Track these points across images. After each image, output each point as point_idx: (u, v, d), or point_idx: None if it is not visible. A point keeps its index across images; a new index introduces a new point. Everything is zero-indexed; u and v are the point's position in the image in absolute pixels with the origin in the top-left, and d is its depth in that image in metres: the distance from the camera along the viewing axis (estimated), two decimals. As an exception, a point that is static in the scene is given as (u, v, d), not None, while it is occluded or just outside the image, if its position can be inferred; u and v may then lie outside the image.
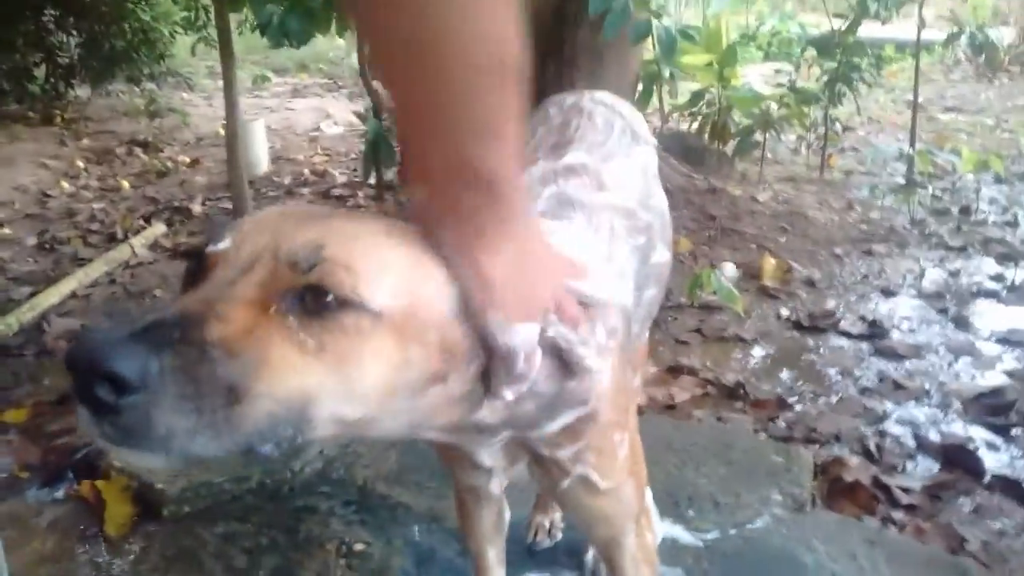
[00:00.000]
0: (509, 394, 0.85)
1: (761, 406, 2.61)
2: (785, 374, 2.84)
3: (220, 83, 10.37)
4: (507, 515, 1.42)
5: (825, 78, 4.91)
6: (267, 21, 4.14)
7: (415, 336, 0.77)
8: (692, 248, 3.80)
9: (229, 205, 5.21)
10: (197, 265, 0.78)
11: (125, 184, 6.14)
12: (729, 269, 3.58)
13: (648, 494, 1.67)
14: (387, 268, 0.77)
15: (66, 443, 2.51)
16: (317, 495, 2.10)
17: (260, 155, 6.13)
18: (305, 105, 8.98)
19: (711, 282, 3.15)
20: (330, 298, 0.72)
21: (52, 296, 3.60)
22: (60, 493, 2.23)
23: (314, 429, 0.73)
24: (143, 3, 8.06)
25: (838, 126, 5.50)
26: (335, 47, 11.52)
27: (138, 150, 7.22)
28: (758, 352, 3.01)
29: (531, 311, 0.84)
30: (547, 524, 1.89)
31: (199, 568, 1.88)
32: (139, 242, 4.41)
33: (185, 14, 8.03)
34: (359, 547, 1.90)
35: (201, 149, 7.21)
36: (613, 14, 3.17)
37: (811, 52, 5.19)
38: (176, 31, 8.28)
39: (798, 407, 2.60)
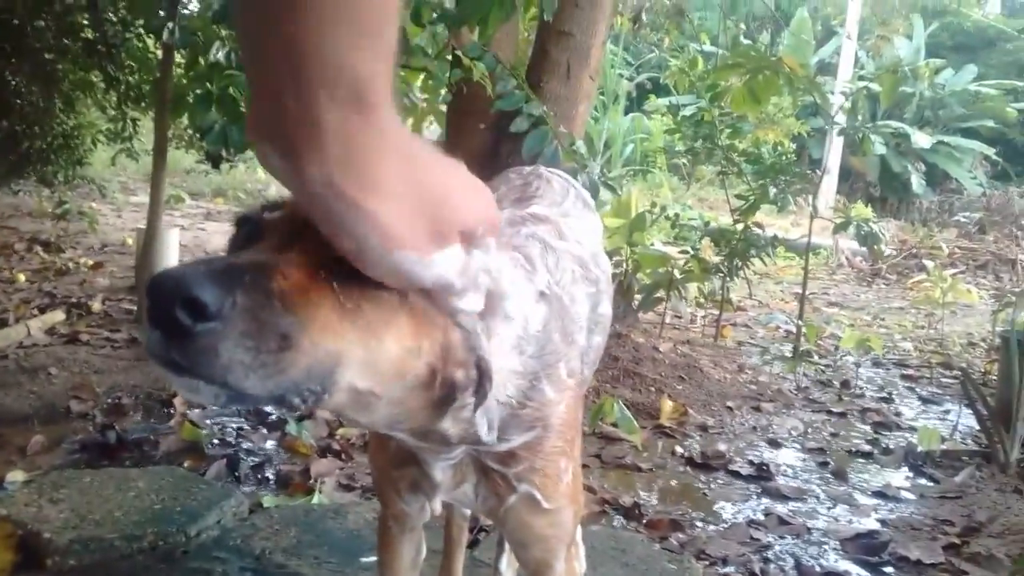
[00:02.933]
0: (470, 322, 0.89)
1: (655, 526, 2.68)
2: (678, 502, 2.94)
3: (131, 198, 10.39)
4: (423, 553, 1.44)
5: (723, 255, 5.29)
6: (209, 127, 4.25)
7: (427, 330, 0.86)
8: (596, 384, 3.93)
9: (131, 306, 5.14)
10: (254, 228, 0.85)
11: (21, 277, 5.99)
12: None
13: (578, 530, 1.75)
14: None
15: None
16: (212, 559, 2.05)
17: (170, 263, 6.09)
18: (218, 228, 9.01)
19: (613, 412, 3.27)
20: None
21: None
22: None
23: (333, 392, 0.79)
24: (69, 110, 8.05)
25: (733, 297, 5.86)
26: (254, 179, 11.71)
27: (39, 248, 7.09)
28: (653, 481, 3.10)
29: (447, 231, 0.80)
30: (449, 598, 1.89)
31: (79, 619, 1.80)
32: (36, 325, 4.30)
33: (110, 125, 8.07)
34: (253, 609, 1.85)
35: (106, 255, 7.12)
36: (543, 158, 3.40)
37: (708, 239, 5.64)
38: (98, 140, 8.28)
39: (689, 530, 2.68)
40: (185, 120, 5.95)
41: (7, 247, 7.09)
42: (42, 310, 5.01)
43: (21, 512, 2.13)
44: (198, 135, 4.53)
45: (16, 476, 2.53)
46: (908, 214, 14.05)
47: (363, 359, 0.80)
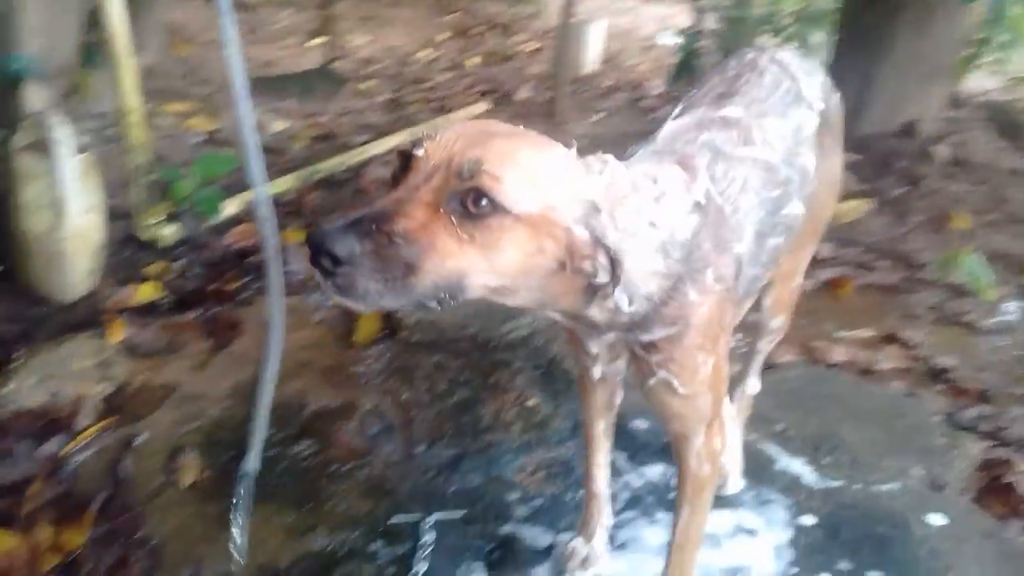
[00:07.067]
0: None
1: (959, 393, 2.57)
2: (1005, 373, 2.74)
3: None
4: (619, 398, 1.70)
5: None
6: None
7: (547, 232, 1.09)
8: (970, 227, 3.63)
9: (550, 93, 5.62)
10: (405, 162, 1.12)
11: (472, 61, 6.75)
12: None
13: (727, 408, 1.93)
14: (531, 181, 1.08)
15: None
16: (513, 355, 2.49)
17: (589, 55, 6.45)
18: (652, 13, 9.13)
19: (966, 264, 3.06)
20: (484, 202, 1.04)
21: (378, 147, 4.27)
22: (330, 302, 2.82)
23: (468, 293, 1.08)
24: None
25: None
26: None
27: (490, 32, 7.82)
28: (986, 345, 2.90)
29: None
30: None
31: (410, 384, 2.37)
32: (459, 116, 4.98)
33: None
34: (531, 403, 2.28)
35: (547, 40, 7.66)
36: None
37: None
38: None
39: (996, 405, 2.53)
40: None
41: (466, 30, 7.94)
42: (483, 95, 5.71)
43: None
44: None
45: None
46: None
47: (487, 267, 1.07)
